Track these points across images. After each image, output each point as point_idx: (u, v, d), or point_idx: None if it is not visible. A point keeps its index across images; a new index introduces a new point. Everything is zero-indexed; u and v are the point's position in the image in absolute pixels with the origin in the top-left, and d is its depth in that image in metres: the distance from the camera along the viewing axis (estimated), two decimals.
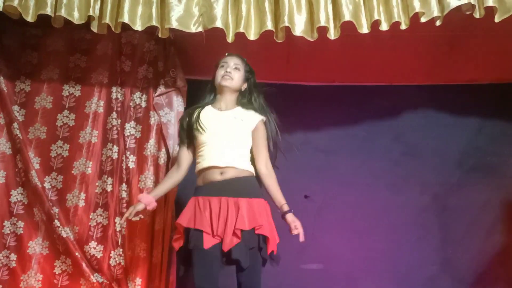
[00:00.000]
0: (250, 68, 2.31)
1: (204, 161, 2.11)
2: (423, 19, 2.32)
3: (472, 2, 2.26)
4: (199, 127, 2.15)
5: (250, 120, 2.19)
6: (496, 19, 2.28)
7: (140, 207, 2.12)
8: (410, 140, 3.22)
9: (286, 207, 2.13)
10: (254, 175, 2.17)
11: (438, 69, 3.16)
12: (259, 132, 2.19)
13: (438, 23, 2.33)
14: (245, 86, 2.27)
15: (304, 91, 3.22)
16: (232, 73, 2.20)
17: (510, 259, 3.05)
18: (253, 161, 2.19)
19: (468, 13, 2.30)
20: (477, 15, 2.29)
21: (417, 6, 2.30)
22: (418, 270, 3.06)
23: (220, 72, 2.22)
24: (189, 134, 2.18)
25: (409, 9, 2.31)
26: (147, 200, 2.12)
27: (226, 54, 2.30)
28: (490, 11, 2.28)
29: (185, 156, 2.21)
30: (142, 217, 2.25)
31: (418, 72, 3.21)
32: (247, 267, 1.98)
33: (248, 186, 2.10)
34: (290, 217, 2.10)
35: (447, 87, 3.29)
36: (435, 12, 2.28)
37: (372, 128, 3.22)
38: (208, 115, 2.19)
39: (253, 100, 2.25)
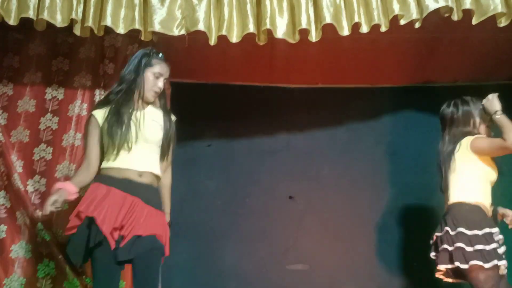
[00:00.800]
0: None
1: (122, 162, 2.10)
2: (402, 21, 2.37)
3: (450, 5, 2.31)
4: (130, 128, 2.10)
5: (164, 121, 2.21)
6: (474, 22, 2.34)
7: (64, 196, 2.03)
8: (392, 142, 3.29)
9: (168, 218, 2.26)
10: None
11: (418, 71, 3.25)
12: (173, 135, 2.25)
13: (417, 25, 2.39)
14: None
15: (287, 93, 3.28)
16: (161, 87, 2.20)
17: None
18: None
19: (446, 15, 2.36)
20: (455, 17, 2.35)
21: (396, 9, 2.35)
22: (401, 270, 3.11)
23: (151, 82, 2.16)
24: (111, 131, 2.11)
25: (389, 12, 2.36)
26: (71, 188, 2.05)
27: (160, 55, 2.24)
28: (467, 14, 2.33)
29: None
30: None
31: (399, 74, 3.29)
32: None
33: (159, 198, 2.17)
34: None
35: (427, 88, 3.36)
36: (414, 15, 2.34)
37: (355, 130, 3.29)
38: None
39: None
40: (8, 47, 2.77)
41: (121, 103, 2.13)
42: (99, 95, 2.74)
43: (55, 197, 2.01)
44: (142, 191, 2.07)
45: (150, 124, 2.15)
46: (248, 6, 2.42)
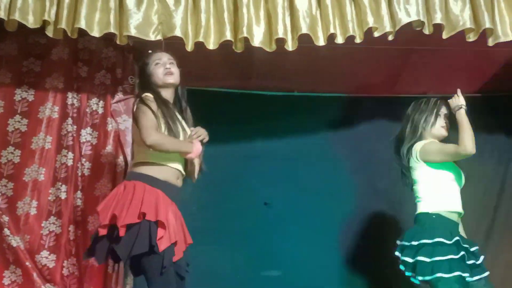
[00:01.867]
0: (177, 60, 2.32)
1: (167, 159, 2.07)
2: (376, 34, 2.46)
3: (422, 19, 2.41)
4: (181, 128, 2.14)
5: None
6: (444, 36, 2.44)
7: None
8: (367, 150, 3.37)
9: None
10: None
11: (392, 81, 3.35)
12: None
13: (390, 38, 2.48)
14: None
15: (265, 100, 3.32)
16: (171, 69, 2.21)
17: None
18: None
19: (418, 29, 2.45)
20: (426, 31, 2.44)
21: (370, 21, 2.43)
22: (377, 275, 3.17)
23: (159, 70, 2.19)
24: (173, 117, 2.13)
25: (363, 24, 2.44)
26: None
27: (150, 51, 2.31)
28: (438, 28, 2.43)
29: None
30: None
31: (373, 84, 3.37)
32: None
33: None
34: None
35: (401, 99, 3.40)
36: (388, 28, 2.42)
37: (331, 138, 3.36)
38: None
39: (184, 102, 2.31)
40: None
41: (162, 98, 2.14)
42: (71, 97, 2.72)
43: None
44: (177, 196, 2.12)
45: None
46: (225, 14, 2.45)
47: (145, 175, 2.03)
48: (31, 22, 2.32)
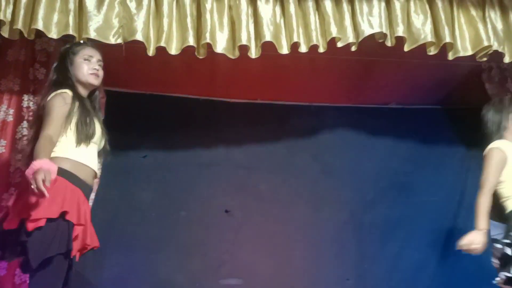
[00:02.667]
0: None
1: (80, 155, 2.03)
2: (339, 44, 2.48)
3: (384, 31, 2.46)
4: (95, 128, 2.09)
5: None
6: (405, 48, 2.48)
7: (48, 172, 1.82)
8: (328, 159, 3.42)
9: None
10: None
11: (355, 91, 3.41)
12: None
13: (353, 48, 2.51)
14: None
15: (227, 108, 3.32)
16: (99, 71, 2.18)
17: (423, 273, 3.28)
18: None
19: (381, 41, 2.50)
20: (388, 43, 2.48)
21: (334, 32, 2.44)
22: (335, 285, 3.22)
23: (85, 67, 2.14)
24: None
25: (327, 34, 2.45)
26: (51, 166, 1.85)
27: (82, 41, 2.25)
28: (400, 40, 2.44)
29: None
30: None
31: (336, 94, 3.43)
32: None
33: None
34: None
35: (363, 109, 3.54)
36: (351, 38, 2.45)
37: (292, 146, 3.38)
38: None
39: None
40: None
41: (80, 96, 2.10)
42: (27, 100, 2.65)
43: (42, 175, 1.77)
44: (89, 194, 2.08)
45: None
46: (188, 19, 2.43)
47: (68, 172, 1.97)
48: None
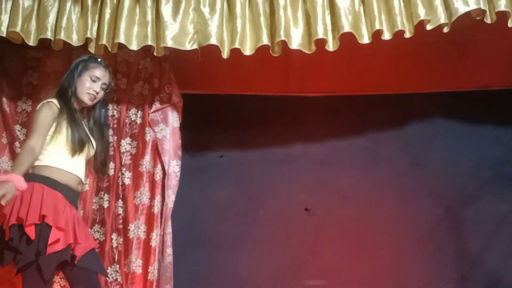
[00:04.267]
0: (112, 83, 2.39)
1: (65, 163, 2.13)
2: (428, 27, 2.30)
3: (482, 8, 2.22)
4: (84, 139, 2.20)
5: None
6: (510, 24, 2.24)
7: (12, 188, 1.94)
8: (418, 151, 3.15)
9: None
10: None
11: (447, 76, 3.11)
12: None
13: (445, 30, 2.31)
14: None
15: (304, 103, 3.22)
16: (98, 94, 2.28)
17: None
18: None
19: (478, 18, 2.27)
20: (488, 20, 2.26)
21: (422, 14, 2.28)
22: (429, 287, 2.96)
23: (87, 85, 2.24)
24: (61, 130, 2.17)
25: (414, 17, 2.29)
26: (18, 179, 1.97)
27: (99, 59, 2.33)
28: (502, 16, 2.24)
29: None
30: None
31: (425, 80, 3.15)
32: None
33: None
34: None
35: (457, 94, 3.21)
36: (442, 19, 2.26)
37: (376, 139, 3.17)
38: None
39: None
40: (27, 65, 2.88)
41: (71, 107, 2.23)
42: (112, 109, 2.79)
43: (4, 191, 1.91)
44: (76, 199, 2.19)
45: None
46: (262, 18, 2.42)
47: (48, 177, 2.07)
48: (75, 40, 2.47)
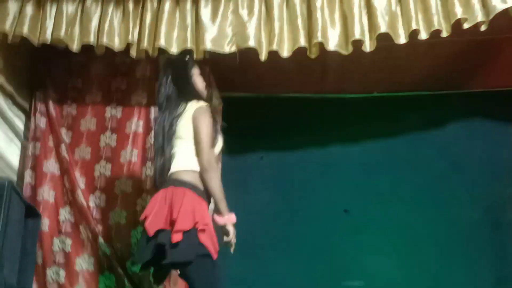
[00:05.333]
0: None
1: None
2: (466, 25, 2.24)
3: None
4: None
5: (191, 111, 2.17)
6: None
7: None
8: (456, 152, 3.07)
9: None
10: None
11: (484, 75, 3.01)
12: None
13: (483, 28, 2.24)
14: None
15: (341, 103, 3.17)
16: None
17: None
18: None
19: None
20: None
21: (459, 12, 2.22)
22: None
23: (201, 81, 2.20)
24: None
25: (451, 16, 2.23)
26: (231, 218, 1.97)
27: (188, 56, 2.27)
28: None
29: None
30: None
31: (461, 79, 3.06)
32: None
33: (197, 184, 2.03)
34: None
35: (495, 93, 3.10)
36: (480, 17, 2.20)
37: (414, 140, 3.10)
38: None
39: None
40: (72, 70, 2.90)
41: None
42: (154, 112, 2.78)
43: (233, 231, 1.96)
44: None
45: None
46: (299, 20, 2.37)
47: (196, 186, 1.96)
48: (117, 44, 2.42)
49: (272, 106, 3.12)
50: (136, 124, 2.78)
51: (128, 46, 2.45)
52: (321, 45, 2.34)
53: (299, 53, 2.38)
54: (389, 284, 2.88)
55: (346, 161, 3.07)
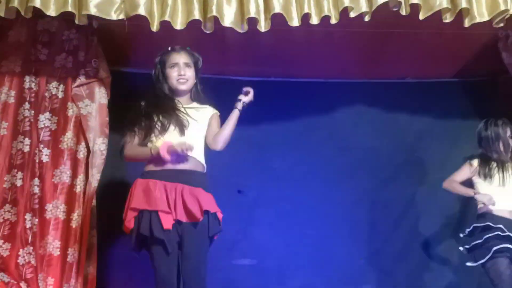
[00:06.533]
0: (197, 56, 2.23)
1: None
2: (352, 14, 2.29)
3: None
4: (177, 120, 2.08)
5: (208, 114, 2.23)
6: (421, 16, 2.29)
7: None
8: (344, 136, 3.18)
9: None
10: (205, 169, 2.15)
11: (370, 66, 3.14)
12: (213, 121, 2.23)
13: (366, 18, 2.31)
14: (195, 81, 2.23)
15: (240, 86, 3.07)
16: (186, 75, 2.14)
17: (436, 252, 3.08)
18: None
19: (395, 9, 2.29)
20: (403, 12, 2.28)
21: (346, 1, 2.27)
22: (348, 264, 3.02)
23: (173, 75, 2.13)
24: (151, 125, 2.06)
25: (339, 4, 2.29)
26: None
27: (169, 48, 2.18)
28: (415, 9, 2.27)
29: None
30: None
31: (351, 69, 3.16)
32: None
33: (203, 181, 2.09)
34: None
35: (379, 84, 3.27)
36: (364, 8, 2.26)
37: (307, 124, 3.15)
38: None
39: (201, 91, 2.25)
40: None
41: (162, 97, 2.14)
42: (29, 81, 2.48)
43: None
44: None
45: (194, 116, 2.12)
46: None
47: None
48: None
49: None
50: (6, 94, 2.43)
51: None
52: (217, 22, 2.24)
53: (194, 30, 2.26)
54: (279, 260, 2.93)
55: (242, 141, 2.87)
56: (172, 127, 2.04)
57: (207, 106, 2.22)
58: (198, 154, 2.09)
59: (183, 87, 2.13)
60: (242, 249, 2.95)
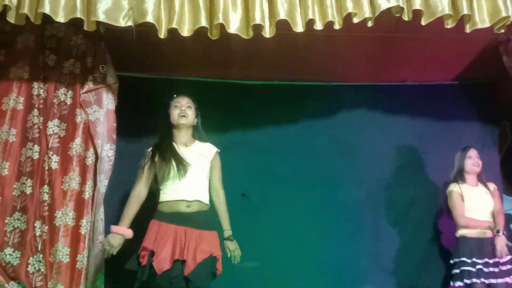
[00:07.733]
0: (197, 103, 2.46)
1: (173, 194, 2.25)
2: (355, 20, 2.28)
3: (401, 5, 2.24)
4: (176, 163, 2.26)
5: (209, 153, 2.40)
6: (423, 22, 2.29)
7: (118, 239, 2.16)
8: (346, 139, 3.15)
9: (228, 233, 2.39)
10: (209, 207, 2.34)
11: (372, 69, 3.13)
12: (216, 163, 2.41)
13: (369, 24, 2.31)
14: (195, 121, 2.43)
15: (244, 90, 3.07)
16: (186, 111, 2.35)
17: (434, 254, 3.07)
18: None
19: (397, 15, 2.28)
20: (405, 17, 2.28)
21: (350, 7, 2.26)
22: (351, 264, 3.00)
23: (176, 112, 2.35)
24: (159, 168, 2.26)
25: (342, 10, 2.28)
26: (124, 231, 2.18)
27: (175, 95, 2.40)
28: (417, 14, 2.26)
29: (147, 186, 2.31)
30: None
31: (353, 72, 3.14)
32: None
33: (208, 219, 2.31)
34: (230, 244, 2.38)
35: (381, 87, 3.25)
36: (367, 13, 2.25)
37: (310, 127, 3.13)
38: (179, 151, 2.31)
39: (201, 128, 2.47)
40: None
41: (162, 141, 2.36)
42: (37, 88, 2.43)
43: (112, 242, 2.16)
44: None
45: (195, 157, 2.31)
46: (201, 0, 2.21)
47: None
48: None
49: (173, 89, 2.92)
50: (15, 100, 2.39)
51: (6, 10, 2.07)
52: (223, 28, 2.21)
53: (201, 36, 2.24)
54: (283, 261, 2.90)
55: (245, 145, 2.99)
56: (173, 172, 2.24)
57: (208, 143, 2.41)
58: (201, 195, 2.29)
59: (183, 121, 2.33)
60: (246, 251, 2.91)
